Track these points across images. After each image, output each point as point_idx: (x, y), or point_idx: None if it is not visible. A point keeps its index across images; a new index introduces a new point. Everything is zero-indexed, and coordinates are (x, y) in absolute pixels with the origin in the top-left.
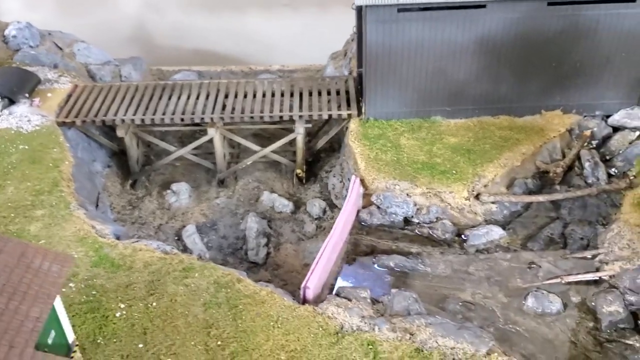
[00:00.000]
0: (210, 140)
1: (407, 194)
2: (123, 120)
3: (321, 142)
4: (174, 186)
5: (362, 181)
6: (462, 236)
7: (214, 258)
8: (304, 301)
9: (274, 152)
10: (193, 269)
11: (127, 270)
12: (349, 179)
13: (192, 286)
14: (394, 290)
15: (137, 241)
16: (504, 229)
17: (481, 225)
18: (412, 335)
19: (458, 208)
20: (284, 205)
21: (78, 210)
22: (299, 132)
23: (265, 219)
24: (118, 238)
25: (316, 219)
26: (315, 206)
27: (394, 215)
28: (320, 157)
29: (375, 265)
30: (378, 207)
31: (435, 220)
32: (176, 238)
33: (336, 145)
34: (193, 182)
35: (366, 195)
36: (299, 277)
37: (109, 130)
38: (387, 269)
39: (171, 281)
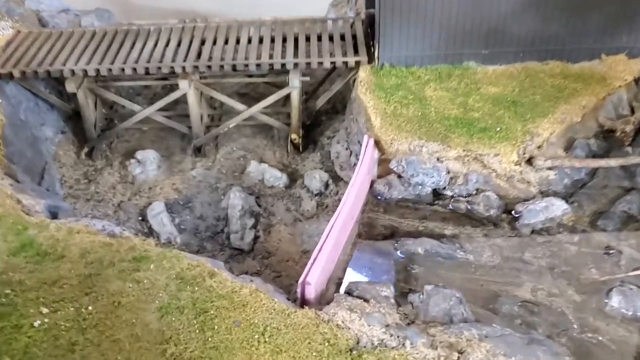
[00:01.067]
0: (185, 99)
1: (438, 159)
2: (73, 72)
3: (322, 101)
4: (139, 154)
5: (378, 143)
6: (512, 213)
7: (188, 243)
8: (303, 303)
9: (263, 113)
10: (147, 258)
11: (56, 261)
12: (359, 143)
13: (144, 283)
14: (428, 287)
15: (76, 220)
16: (566, 202)
17: (536, 198)
18: (462, 354)
19: (505, 176)
20: (276, 177)
21: (1, 181)
22: (294, 86)
23: (252, 195)
24: (55, 217)
25: (316, 194)
26: (315, 179)
27: (420, 187)
28: (320, 120)
29: (398, 253)
30: (399, 177)
31: (475, 192)
32: (140, 218)
33: (339, 106)
34: (164, 150)
35: (383, 161)
36: (296, 269)
37: (62, 87)
38: (413, 258)
39: (115, 275)
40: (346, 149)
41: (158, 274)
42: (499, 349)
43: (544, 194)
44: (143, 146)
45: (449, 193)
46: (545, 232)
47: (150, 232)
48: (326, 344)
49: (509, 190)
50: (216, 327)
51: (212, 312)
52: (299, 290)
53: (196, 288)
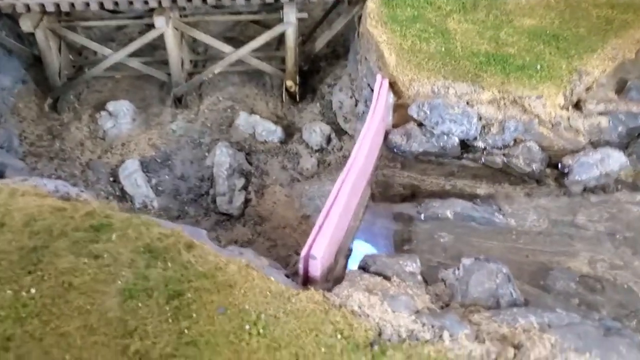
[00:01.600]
0: (164, 42)
1: (468, 102)
2: (28, 7)
3: (321, 43)
4: (111, 105)
5: (393, 85)
6: (559, 167)
7: (166, 208)
8: (307, 281)
9: (254, 56)
10: (109, 226)
11: None
12: (369, 87)
13: (104, 258)
14: (467, 261)
15: (22, 180)
16: (624, 154)
17: (587, 149)
18: (519, 349)
19: (550, 122)
20: (270, 131)
21: None
22: (290, 22)
23: (242, 151)
24: (2, 176)
25: (317, 150)
26: (316, 132)
27: (445, 137)
28: (319, 66)
29: (422, 217)
30: (420, 125)
31: (513, 142)
32: (111, 179)
33: (341, 50)
34: (140, 101)
35: (399, 107)
36: (294, 237)
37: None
38: (440, 223)
39: (67, 249)
40: (350, 97)
41: (121, 247)
42: (568, 341)
43: (594, 144)
44: (116, 97)
45: (481, 144)
46: (600, 190)
47: (123, 195)
48: (339, 336)
49: (553, 140)
50: (194, 315)
51: (189, 295)
52: (301, 266)
53: (169, 264)
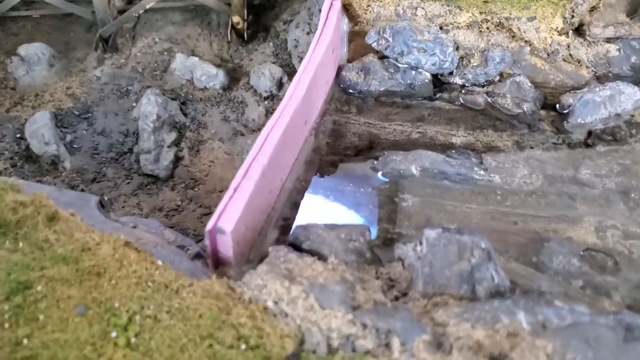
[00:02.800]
0: None
1: (441, 27)
2: None
3: None
4: (23, 49)
5: (347, 8)
6: (557, 108)
7: (81, 169)
8: (216, 264)
9: None
10: None
11: None
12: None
13: None
14: (431, 233)
15: None
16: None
17: (592, 84)
18: None
19: (545, 51)
20: (210, 75)
21: None
22: None
23: (175, 100)
24: None
25: (266, 97)
26: (264, 76)
27: (413, 72)
28: (274, 0)
29: (379, 175)
30: (381, 57)
31: (498, 77)
32: (18, 136)
33: None
34: (63, 45)
35: (355, 36)
36: None
37: None
38: (403, 182)
39: None
40: (307, 34)
41: None
42: (572, 350)
43: (601, 78)
44: (35, 40)
45: (458, 81)
46: (609, 135)
47: (30, 155)
48: (243, 346)
49: (549, 74)
50: (42, 316)
51: (39, 288)
52: (207, 242)
53: (20, 244)
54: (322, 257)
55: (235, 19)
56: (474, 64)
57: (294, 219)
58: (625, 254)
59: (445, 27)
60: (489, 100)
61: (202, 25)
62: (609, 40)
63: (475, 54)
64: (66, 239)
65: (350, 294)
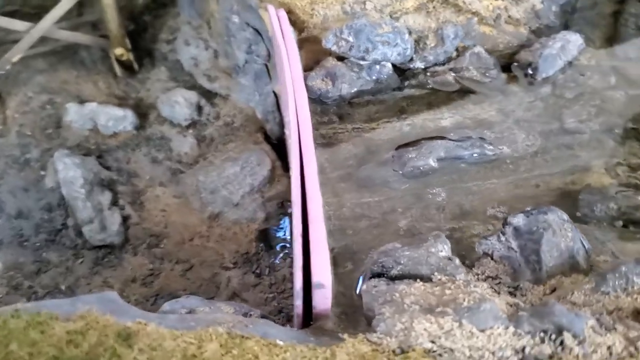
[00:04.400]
0: None
1: (391, 16)
2: None
3: None
4: None
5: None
6: (513, 69)
7: (16, 264)
8: (306, 322)
9: (60, 26)
10: None
11: None
12: (248, 25)
13: None
14: (517, 219)
15: None
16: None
17: (546, 40)
18: None
19: (492, 18)
20: (118, 118)
21: None
22: None
23: (90, 156)
24: None
25: (189, 125)
26: (179, 104)
27: (378, 67)
28: (143, 22)
29: (401, 176)
30: (343, 59)
31: (455, 53)
32: None
33: None
34: None
35: (304, 43)
36: (212, 247)
37: None
38: (427, 177)
39: None
40: (206, 49)
41: None
42: None
43: (537, 32)
44: None
45: (419, 65)
46: (571, 82)
47: None
48: None
49: (497, 38)
50: None
51: None
52: (297, 302)
53: None
54: (422, 278)
55: (118, 51)
56: (432, 45)
57: (340, 248)
58: None
59: (394, 15)
60: (456, 76)
61: (75, 67)
62: None
63: (429, 35)
64: (162, 354)
65: (495, 306)
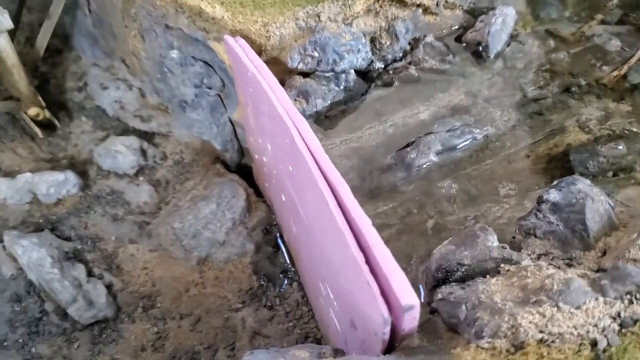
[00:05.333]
0: None
1: (344, 22)
2: None
3: (43, 41)
4: None
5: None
6: (464, 47)
7: None
8: (388, 347)
9: None
10: None
11: None
12: (196, 60)
13: None
14: (553, 194)
15: None
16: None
17: (486, 18)
18: None
19: (434, 6)
20: (60, 183)
21: None
22: (3, 27)
23: (42, 231)
24: None
25: (137, 173)
26: (121, 153)
27: (343, 75)
28: (42, 74)
29: (407, 180)
30: (311, 75)
31: (409, 47)
32: None
33: (56, 42)
34: None
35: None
36: (211, 293)
37: None
38: (430, 172)
39: None
40: (130, 89)
41: None
42: None
43: (469, 12)
44: None
45: (380, 65)
46: (518, 53)
47: None
48: None
49: (440, 24)
50: None
51: None
52: (384, 329)
53: None
54: (489, 273)
55: (33, 111)
56: (387, 44)
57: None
58: (614, 134)
59: (347, 22)
60: (417, 69)
61: None
62: None
63: (383, 34)
64: None
65: (581, 282)
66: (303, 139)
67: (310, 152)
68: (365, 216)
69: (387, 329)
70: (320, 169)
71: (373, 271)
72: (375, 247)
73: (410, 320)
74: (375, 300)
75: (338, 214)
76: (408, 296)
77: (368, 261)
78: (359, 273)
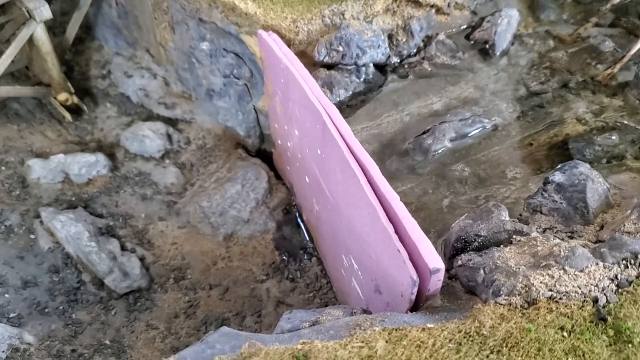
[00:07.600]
0: None
1: (365, 20)
2: None
3: (73, 30)
4: None
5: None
6: (472, 44)
7: (49, 333)
8: (414, 306)
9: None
10: None
11: None
12: (227, 52)
13: None
14: (557, 176)
15: None
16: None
17: (489, 18)
18: None
19: (445, 7)
20: (91, 164)
21: None
22: (41, 16)
23: (75, 208)
24: None
25: (162, 156)
26: (148, 137)
27: (364, 69)
28: (66, 61)
29: (424, 163)
30: (335, 67)
31: (423, 45)
32: None
33: (78, 32)
34: None
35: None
36: (235, 266)
37: None
38: (443, 157)
39: None
40: (155, 78)
41: None
42: None
43: (475, 13)
44: None
45: (396, 60)
46: (523, 51)
47: None
48: (564, 334)
49: (450, 23)
50: None
51: None
52: (412, 290)
53: None
54: (503, 243)
55: (62, 96)
56: (403, 40)
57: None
58: (607, 126)
59: (367, 20)
60: (431, 64)
61: (12, 121)
62: None
63: (399, 32)
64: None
65: (584, 249)
66: (334, 124)
67: (342, 136)
68: (393, 192)
69: (415, 290)
70: (350, 150)
71: (401, 239)
72: (405, 219)
73: (436, 282)
74: (405, 265)
75: (369, 190)
76: (435, 260)
77: (396, 231)
78: (388, 242)
